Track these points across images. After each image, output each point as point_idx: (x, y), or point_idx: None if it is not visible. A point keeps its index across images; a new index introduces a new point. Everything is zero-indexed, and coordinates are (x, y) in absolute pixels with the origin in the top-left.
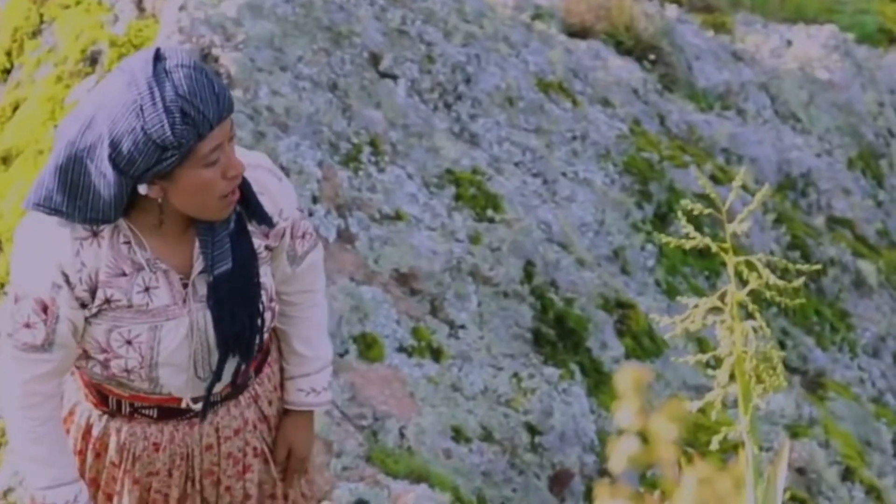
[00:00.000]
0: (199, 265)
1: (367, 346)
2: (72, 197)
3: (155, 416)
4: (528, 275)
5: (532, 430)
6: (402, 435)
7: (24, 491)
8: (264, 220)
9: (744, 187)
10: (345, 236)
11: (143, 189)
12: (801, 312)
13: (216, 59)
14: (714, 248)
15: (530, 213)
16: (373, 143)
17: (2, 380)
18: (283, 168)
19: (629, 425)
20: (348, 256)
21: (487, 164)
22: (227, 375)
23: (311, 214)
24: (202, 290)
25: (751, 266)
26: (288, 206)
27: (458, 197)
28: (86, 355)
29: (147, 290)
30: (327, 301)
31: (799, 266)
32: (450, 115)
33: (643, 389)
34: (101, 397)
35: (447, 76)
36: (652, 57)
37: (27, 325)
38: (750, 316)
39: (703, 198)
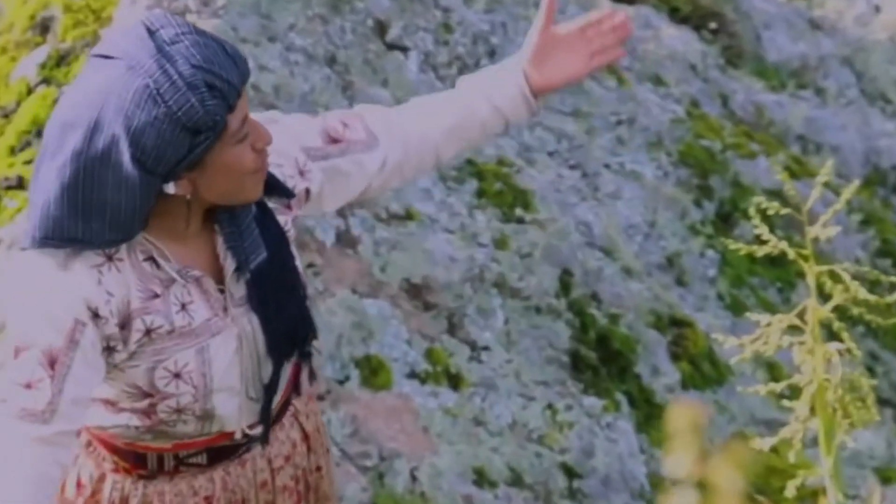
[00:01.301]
0: (230, 263)
1: (373, 372)
2: (87, 219)
3: (205, 461)
4: (565, 286)
5: (569, 472)
6: (413, 478)
7: None
8: (284, 191)
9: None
10: (345, 239)
11: (170, 188)
12: (892, 333)
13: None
14: (791, 254)
15: (567, 213)
16: None
17: None
18: None
19: (684, 474)
20: (350, 263)
21: (516, 153)
22: (281, 385)
23: None
24: (239, 291)
25: (835, 277)
26: (309, 136)
27: (480, 193)
28: (115, 410)
29: (183, 307)
30: (324, 317)
31: (892, 278)
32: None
33: (699, 430)
34: (138, 458)
35: (467, 48)
36: (713, 25)
37: (27, 386)
38: (834, 337)
39: (776, 195)
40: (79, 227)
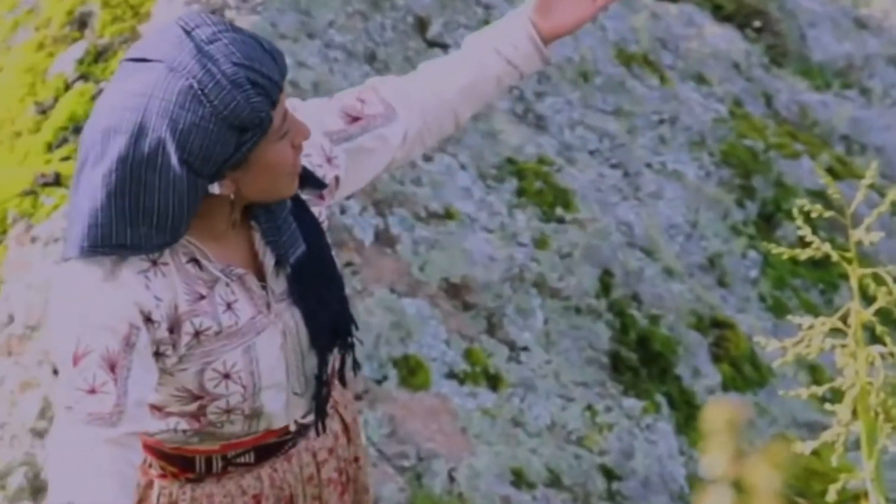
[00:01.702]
0: (269, 259)
1: (411, 372)
2: (135, 224)
3: (252, 460)
4: (605, 286)
5: (609, 474)
6: (451, 478)
7: None
8: (316, 183)
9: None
10: (384, 238)
11: (215, 188)
12: None
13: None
14: (835, 257)
15: (608, 213)
16: None
17: (73, 474)
18: None
19: (720, 473)
20: (388, 263)
21: (556, 152)
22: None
23: (343, 212)
24: (280, 286)
25: (879, 280)
26: (329, 119)
27: (520, 192)
28: (163, 415)
29: (229, 306)
30: (362, 316)
31: None
32: (511, 92)
33: (737, 430)
34: (185, 462)
35: None
36: (757, 24)
37: (92, 391)
38: (877, 340)
39: (819, 196)
40: (127, 234)
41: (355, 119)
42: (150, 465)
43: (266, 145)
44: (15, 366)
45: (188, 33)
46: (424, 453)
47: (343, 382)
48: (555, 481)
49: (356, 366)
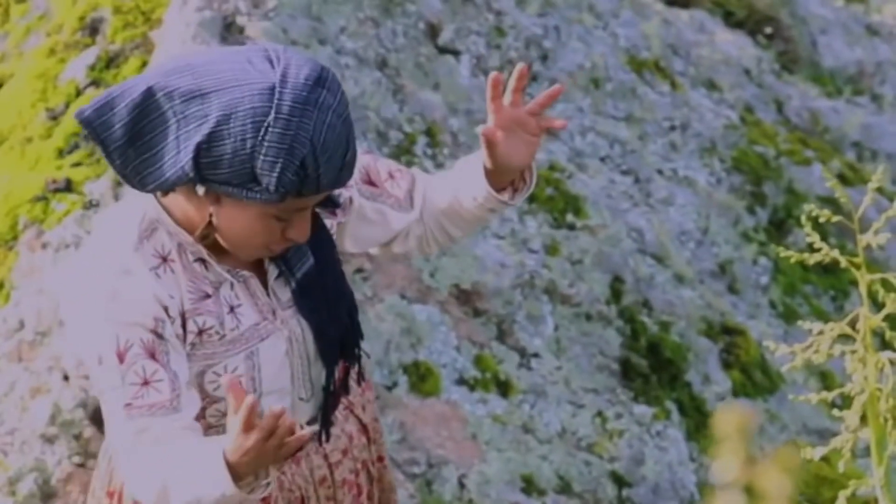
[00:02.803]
0: (272, 270)
1: (421, 378)
2: (129, 141)
3: None
4: (616, 293)
5: (619, 480)
6: (461, 485)
7: None
8: (329, 200)
9: (879, 189)
10: None
11: (200, 189)
12: None
13: (241, 30)
14: (843, 262)
15: (619, 219)
16: (429, 133)
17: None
18: None
19: (731, 479)
20: (399, 269)
21: (567, 158)
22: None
23: None
24: (284, 295)
25: (888, 285)
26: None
27: (531, 198)
28: None
29: (232, 310)
30: (373, 323)
31: None
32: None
33: (748, 435)
34: None
35: (520, 52)
36: (768, 30)
37: (145, 383)
38: (887, 346)
39: (830, 202)
40: (119, 141)
41: (370, 183)
42: None
43: (260, 209)
44: (25, 372)
45: (318, 84)
46: (435, 460)
47: (347, 392)
48: (565, 488)
49: (361, 378)
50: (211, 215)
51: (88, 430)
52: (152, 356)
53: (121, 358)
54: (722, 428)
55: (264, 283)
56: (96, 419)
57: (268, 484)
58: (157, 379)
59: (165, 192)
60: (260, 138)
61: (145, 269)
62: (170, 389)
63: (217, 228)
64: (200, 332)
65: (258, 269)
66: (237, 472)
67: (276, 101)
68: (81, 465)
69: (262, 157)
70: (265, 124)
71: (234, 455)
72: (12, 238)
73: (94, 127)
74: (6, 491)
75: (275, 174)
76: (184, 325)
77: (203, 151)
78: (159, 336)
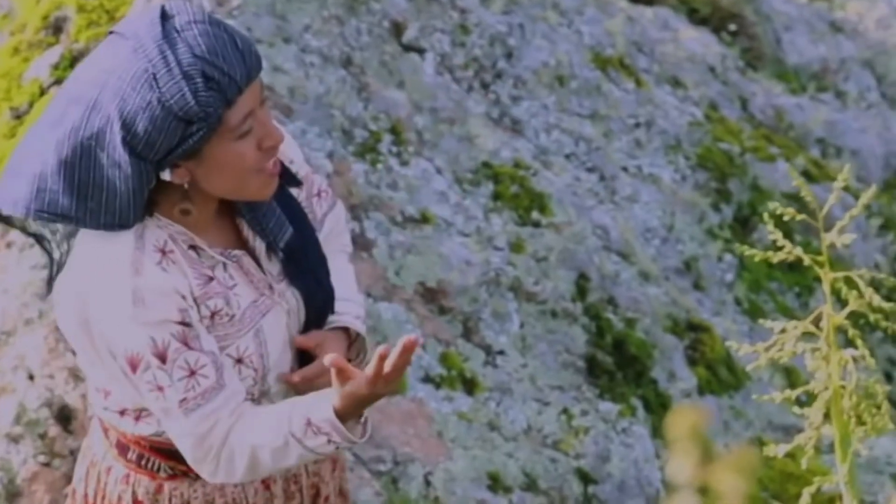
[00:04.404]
0: (259, 244)
1: None
2: (82, 198)
3: None
4: (581, 290)
5: (585, 477)
6: (427, 483)
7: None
8: (292, 180)
9: (844, 187)
10: (360, 243)
11: (166, 175)
12: None
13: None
14: (807, 260)
15: (584, 216)
16: (394, 131)
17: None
18: None
19: (685, 480)
20: (364, 267)
21: (532, 156)
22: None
23: None
24: (274, 268)
25: (851, 283)
26: (297, 155)
27: (496, 196)
28: None
29: (230, 290)
30: None
31: None
32: (487, 96)
33: (701, 436)
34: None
35: (484, 50)
36: (732, 27)
37: (192, 373)
38: (850, 343)
39: (795, 199)
40: (73, 205)
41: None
42: (159, 469)
43: (220, 142)
44: None
45: (165, 18)
46: (401, 457)
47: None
48: (531, 485)
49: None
50: (187, 187)
51: (54, 430)
52: (188, 345)
53: (162, 358)
54: (675, 429)
55: (256, 261)
56: (61, 418)
57: (365, 421)
58: (201, 365)
59: (149, 207)
60: (158, 91)
61: (152, 265)
62: (214, 370)
63: (209, 188)
64: (213, 316)
65: (244, 249)
66: (344, 420)
67: (144, 54)
68: (47, 465)
69: (172, 102)
70: (151, 78)
71: (345, 403)
72: None
73: (46, 213)
74: None
75: (192, 103)
76: (198, 311)
77: (133, 144)
78: (187, 325)
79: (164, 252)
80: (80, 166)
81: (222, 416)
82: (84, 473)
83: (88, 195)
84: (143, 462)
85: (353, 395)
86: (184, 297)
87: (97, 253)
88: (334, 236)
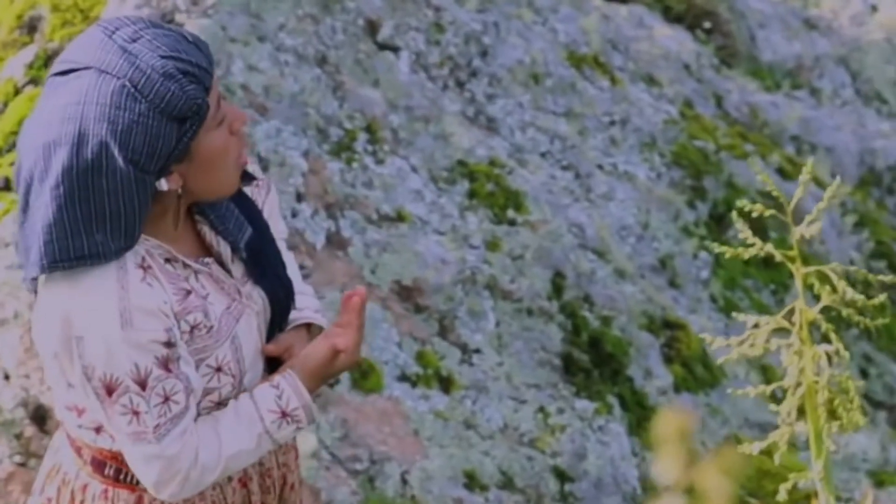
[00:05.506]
0: (224, 247)
1: (363, 375)
2: (90, 233)
3: None
4: (557, 288)
5: (561, 475)
6: (404, 481)
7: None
8: (245, 176)
9: (817, 182)
10: (336, 241)
11: (163, 185)
12: (886, 334)
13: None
14: (778, 256)
15: (559, 214)
16: (369, 129)
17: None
18: (261, 159)
19: (672, 481)
20: (340, 265)
21: (508, 154)
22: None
23: (294, 215)
24: (238, 271)
25: (824, 278)
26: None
27: (472, 194)
28: None
29: (205, 300)
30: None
31: (883, 278)
32: (462, 95)
33: (688, 437)
34: None
35: (459, 48)
36: (707, 25)
37: (165, 400)
38: (824, 339)
39: (769, 196)
40: (84, 244)
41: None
42: (138, 483)
43: (206, 135)
44: None
45: (110, 36)
46: (377, 456)
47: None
48: (507, 483)
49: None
50: (180, 192)
51: (29, 430)
52: (168, 370)
53: (142, 385)
54: (661, 430)
55: (223, 266)
56: (37, 418)
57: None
58: (175, 392)
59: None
60: (145, 100)
61: (137, 282)
62: (184, 396)
63: (195, 189)
64: (192, 330)
65: (212, 253)
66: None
67: (113, 73)
68: (23, 465)
69: (164, 105)
70: (132, 91)
71: (313, 384)
72: None
73: (60, 262)
74: None
75: (185, 100)
76: (178, 327)
77: (135, 160)
78: (171, 345)
79: (144, 268)
80: (81, 203)
81: (188, 438)
82: (55, 493)
83: (95, 228)
84: (121, 476)
85: (315, 371)
86: (167, 316)
87: (80, 274)
88: (273, 222)
